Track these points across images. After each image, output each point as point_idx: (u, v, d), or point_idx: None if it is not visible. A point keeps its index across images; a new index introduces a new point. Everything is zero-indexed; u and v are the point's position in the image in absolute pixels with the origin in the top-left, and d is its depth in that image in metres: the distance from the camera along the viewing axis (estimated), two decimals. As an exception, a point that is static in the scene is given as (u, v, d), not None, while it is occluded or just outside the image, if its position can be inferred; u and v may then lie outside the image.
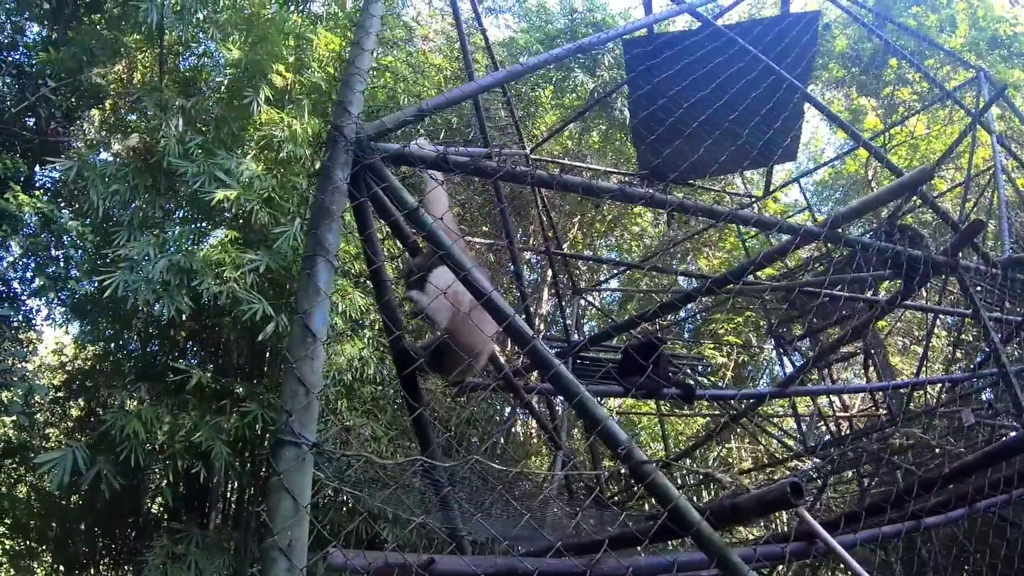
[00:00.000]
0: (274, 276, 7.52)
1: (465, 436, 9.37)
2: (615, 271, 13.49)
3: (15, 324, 8.81)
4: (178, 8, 7.85)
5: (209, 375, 7.53)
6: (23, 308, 9.22)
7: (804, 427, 9.76)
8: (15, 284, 9.20)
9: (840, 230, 3.89)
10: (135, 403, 7.37)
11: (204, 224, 8.23)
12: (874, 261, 4.03)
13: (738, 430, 11.53)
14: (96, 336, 9.17)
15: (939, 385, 7.57)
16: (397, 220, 2.94)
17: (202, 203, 7.36)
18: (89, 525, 9.64)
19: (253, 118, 7.87)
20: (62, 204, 8.99)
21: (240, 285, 7.04)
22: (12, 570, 10.37)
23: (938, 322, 9.72)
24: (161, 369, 8.11)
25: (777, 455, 10.15)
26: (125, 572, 9.53)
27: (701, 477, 10.18)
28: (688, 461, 11.08)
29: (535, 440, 12.34)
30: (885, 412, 8.32)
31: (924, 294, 8.01)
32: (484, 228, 11.84)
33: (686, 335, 14.80)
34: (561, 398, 6.21)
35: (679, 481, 9.74)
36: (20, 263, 9.12)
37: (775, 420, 11.03)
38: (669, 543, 3.06)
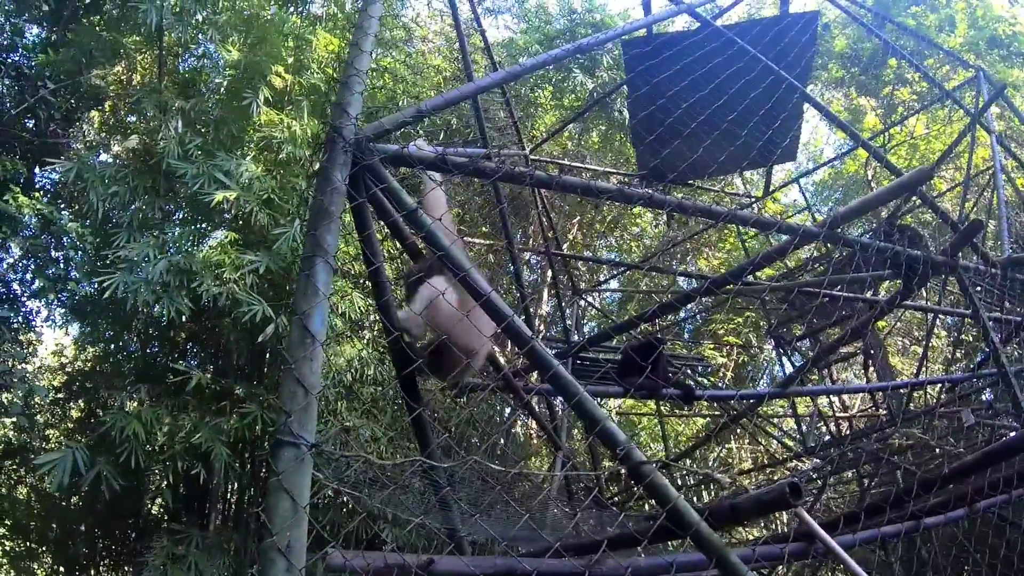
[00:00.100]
0: (273, 277, 7.53)
1: (465, 437, 9.38)
2: (615, 272, 13.49)
3: (15, 325, 8.80)
4: (177, 9, 7.86)
5: (209, 376, 7.54)
6: (23, 309, 9.22)
7: (804, 427, 9.76)
8: (15, 285, 9.21)
9: (839, 230, 3.89)
10: (135, 404, 7.37)
11: (204, 225, 8.23)
12: (873, 261, 4.03)
13: (738, 431, 11.54)
14: (96, 337, 9.18)
15: (939, 385, 7.56)
16: (396, 221, 2.94)
17: (202, 204, 7.37)
18: (89, 526, 9.64)
19: (252, 119, 7.88)
20: (62, 205, 9.00)
21: (240, 286, 7.04)
22: (12, 571, 10.37)
23: (938, 322, 9.72)
24: (161, 370, 8.11)
25: (777, 456, 10.15)
26: (125, 573, 9.52)
27: (700, 478, 10.18)
28: (688, 462, 11.08)
29: (535, 441, 12.34)
30: (885, 412, 8.32)
31: (924, 294, 8.00)
32: (484, 229, 11.83)
33: (686, 335, 14.81)
34: (560, 399, 6.21)
35: (679, 482, 9.74)
36: (20, 264, 9.13)
37: (775, 420, 11.04)
38: (669, 544, 3.06)
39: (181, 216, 8.62)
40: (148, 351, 9.10)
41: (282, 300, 7.40)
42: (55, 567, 10.33)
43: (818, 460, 8.21)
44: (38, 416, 9.40)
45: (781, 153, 6.57)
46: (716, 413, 10.46)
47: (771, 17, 6.92)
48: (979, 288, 5.13)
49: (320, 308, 2.24)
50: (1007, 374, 4.12)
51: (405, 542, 6.95)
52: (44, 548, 10.38)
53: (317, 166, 7.69)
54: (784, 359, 9.01)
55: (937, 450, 6.34)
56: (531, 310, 11.66)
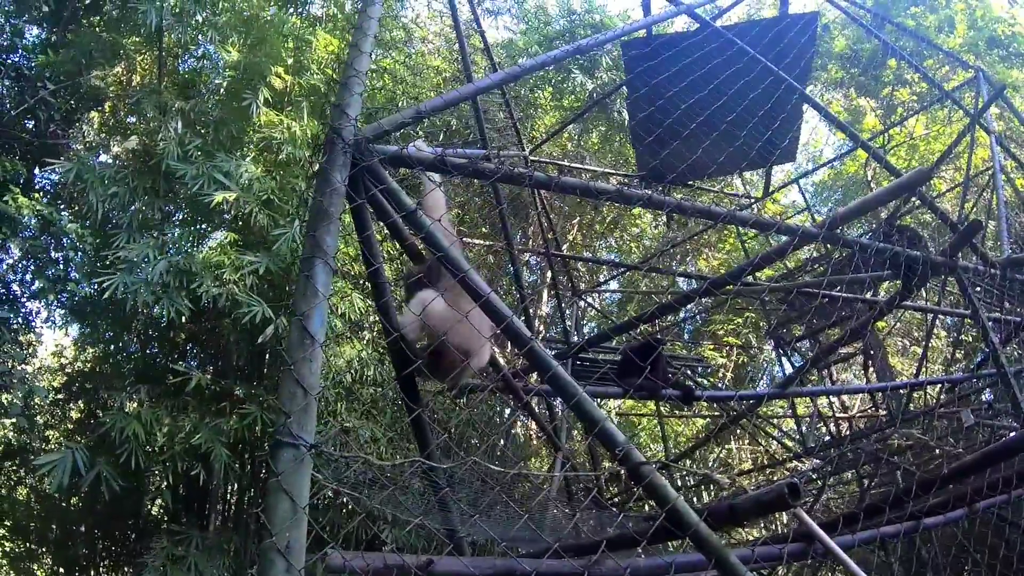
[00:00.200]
0: (273, 278, 7.53)
1: (465, 438, 9.38)
2: (614, 272, 13.49)
3: (15, 326, 8.80)
4: (177, 10, 7.86)
5: (209, 377, 7.54)
6: (23, 310, 9.22)
7: (804, 428, 9.76)
8: (15, 286, 9.22)
9: (839, 231, 3.90)
10: (135, 405, 7.37)
11: (203, 226, 8.23)
12: (873, 262, 4.03)
13: (738, 431, 11.54)
14: (96, 338, 9.18)
15: (938, 386, 7.56)
16: (395, 222, 2.94)
17: (201, 205, 7.37)
18: (89, 527, 9.64)
19: (252, 120, 7.88)
20: (62, 206, 9.00)
21: (239, 287, 7.04)
22: (12, 572, 10.36)
23: (937, 323, 9.72)
24: (161, 371, 8.11)
25: (777, 456, 10.15)
26: (125, 574, 9.52)
27: (699, 478, 10.18)
28: (687, 462, 11.08)
29: (535, 441, 12.34)
30: (884, 413, 8.32)
31: (923, 295, 8.00)
32: (483, 230, 11.84)
33: (686, 336, 14.81)
34: (560, 399, 6.21)
35: (678, 482, 9.74)
36: (20, 265, 9.13)
37: (775, 421, 11.04)
38: (669, 544, 3.06)
39: (181, 217, 8.62)
40: (148, 352, 9.10)
41: (282, 301, 7.40)
42: (55, 568, 10.33)
43: (818, 461, 8.21)
44: (38, 417, 9.40)
45: (780, 154, 6.58)
46: (716, 414, 10.46)
47: (770, 18, 6.93)
48: (978, 288, 5.14)
49: (319, 309, 2.24)
50: (1006, 374, 4.12)
51: (404, 543, 6.95)
52: (44, 549, 10.37)
53: (317, 167, 7.69)
54: (784, 360, 9.02)
55: (937, 450, 6.34)
56: (531, 311, 11.67)
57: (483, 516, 3.07)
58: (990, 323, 4.46)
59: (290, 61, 8.45)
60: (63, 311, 9.40)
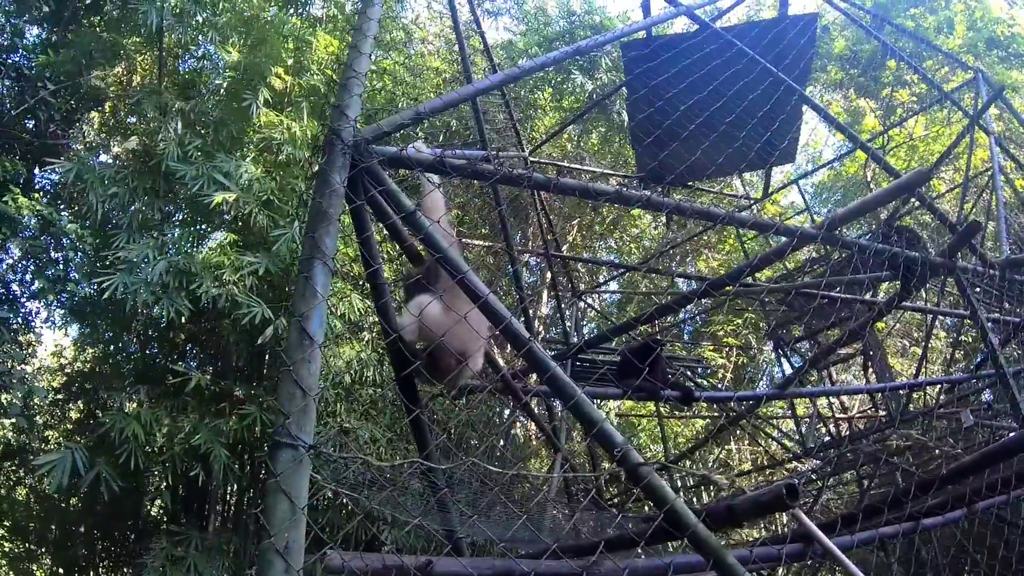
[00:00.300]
0: (273, 279, 7.53)
1: (464, 438, 9.37)
2: (614, 273, 13.49)
3: (14, 326, 8.80)
4: (178, 11, 7.87)
5: (208, 378, 7.54)
6: (22, 310, 9.22)
7: (803, 429, 9.76)
8: (14, 286, 9.21)
9: (838, 232, 3.90)
10: (134, 405, 7.37)
11: (203, 227, 8.24)
12: (872, 263, 4.03)
13: (737, 432, 11.55)
14: (95, 338, 9.18)
15: (938, 386, 7.56)
16: (395, 223, 2.94)
17: (201, 206, 7.37)
18: (88, 527, 9.64)
19: (252, 121, 7.88)
20: (62, 206, 8.99)
21: (239, 288, 7.05)
22: (12, 573, 10.36)
23: (937, 323, 9.73)
24: (160, 371, 8.11)
25: (776, 457, 10.15)
26: (124, 574, 9.52)
27: (698, 479, 10.18)
28: (686, 463, 11.08)
29: (534, 442, 12.34)
30: (884, 413, 8.32)
31: (923, 295, 8.01)
32: (483, 231, 11.84)
33: (685, 337, 14.80)
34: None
35: (677, 483, 9.73)
36: (19, 265, 9.13)
37: (774, 422, 11.04)
38: (668, 545, 3.06)
39: (181, 217, 8.63)
40: (147, 352, 9.10)
41: (281, 302, 7.40)
42: (54, 568, 10.32)
43: (817, 461, 8.21)
44: (37, 417, 9.40)
45: (780, 155, 6.58)
46: (715, 414, 10.46)
47: (770, 19, 6.92)
48: (978, 289, 5.13)
49: (318, 310, 2.24)
50: (1006, 375, 4.12)
51: (403, 543, 6.95)
52: (43, 549, 10.37)
53: (316, 168, 7.70)
54: (783, 360, 9.02)
55: (936, 451, 6.34)
56: (530, 312, 11.67)
57: (482, 517, 3.07)
58: (989, 324, 4.46)
59: (290, 62, 8.46)
60: (63, 311, 9.41)
